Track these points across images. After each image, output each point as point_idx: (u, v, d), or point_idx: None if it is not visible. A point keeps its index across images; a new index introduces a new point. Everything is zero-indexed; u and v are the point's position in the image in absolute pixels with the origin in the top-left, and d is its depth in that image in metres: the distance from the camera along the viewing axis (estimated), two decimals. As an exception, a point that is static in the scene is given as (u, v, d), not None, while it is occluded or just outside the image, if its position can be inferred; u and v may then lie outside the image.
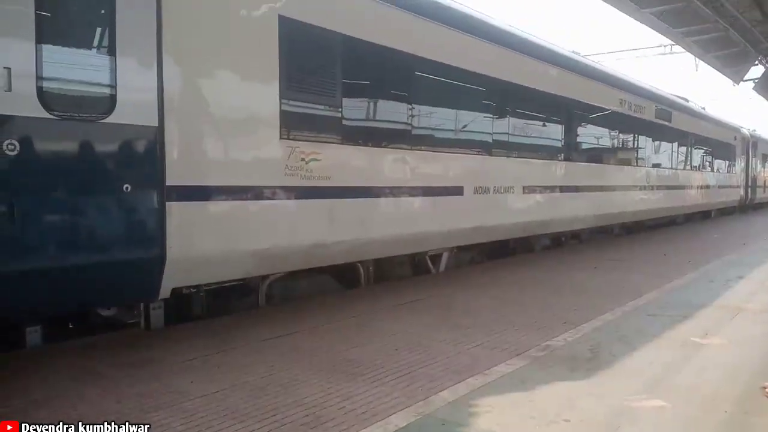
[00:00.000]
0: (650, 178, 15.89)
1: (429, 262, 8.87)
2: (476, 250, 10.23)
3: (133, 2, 4.78)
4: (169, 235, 5.01)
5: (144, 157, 4.92)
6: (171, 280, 5.18)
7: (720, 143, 22.56)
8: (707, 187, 21.27)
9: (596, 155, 13.47)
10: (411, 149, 7.77)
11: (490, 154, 9.38)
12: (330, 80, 6.75)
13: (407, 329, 5.63)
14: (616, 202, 13.90)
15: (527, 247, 11.63)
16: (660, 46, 25.27)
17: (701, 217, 22.23)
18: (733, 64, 21.56)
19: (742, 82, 23.59)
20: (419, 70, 7.99)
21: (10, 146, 4.12)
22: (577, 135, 12.43)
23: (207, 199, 5.41)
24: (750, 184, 27.68)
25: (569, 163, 11.78)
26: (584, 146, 12.93)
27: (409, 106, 7.81)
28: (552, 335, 5.45)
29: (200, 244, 5.33)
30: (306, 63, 6.49)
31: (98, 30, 4.76)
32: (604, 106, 13.18)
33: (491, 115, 9.41)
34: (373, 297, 7.16)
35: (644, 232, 16.93)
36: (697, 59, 22.13)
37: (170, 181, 5.02)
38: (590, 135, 13.15)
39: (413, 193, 7.81)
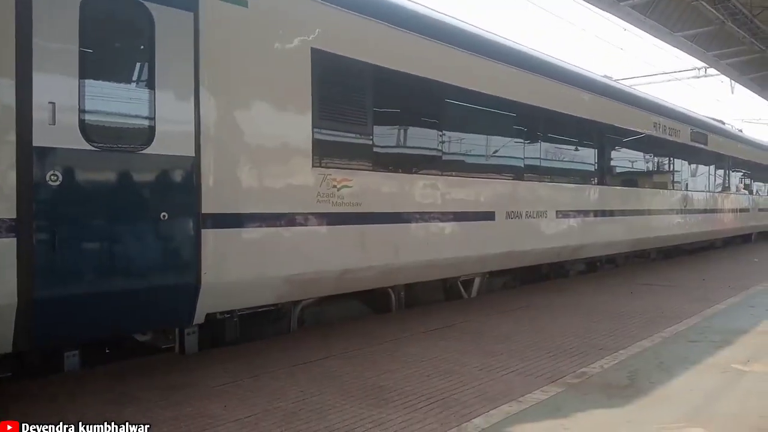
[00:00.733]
0: (687, 202, 15.56)
1: (461, 287, 8.83)
2: (509, 275, 10.13)
3: (172, 38, 4.97)
4: (204, 261, 5.10)
5: (181, 186, 5.05)
6: (205, 305, 5.26)
7: (758, 165, 22.05)
8: (746, 210, 20.74)
9: (631, 179, 13.30)
10: (441, 175, 7.79)
11: (522, 179, 9.34)
12: (361, 109, 6.86)
13: (439, 355, 5.59)
14: (651, 226, 13.63)
15: (561, 272, 11.48)
16: (693, 69, 25.00)
17: (741, 240, 21.63)
18: (770, 86, 21.21)
19: (780, 104, 23.14)
20: (449, 97, 8.07)
21: (53, 177, 4.29)
22: (611, 159, 12.30)
23: (241, 226, 5.50)
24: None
25: (603, 187, 11.65)
26: (618, 170, 12.77)
27: (440, 133, 7.86)
28: (588, 362, 5.34)
29: (234, 271, 5.41)
30: (337, 93, 6.62)
31: (138, 64, 4.97)
32: (637, 130, 13.04)
33: (522, 140, 9.41)
34: (404, 322, 7.13)
35: (682, 256, 16.54)
36: (732, 81, 21.81)
37: (206, 209, 5.13)
38: (624, 159, 13.01)
39: (444, 218, 7.80)
